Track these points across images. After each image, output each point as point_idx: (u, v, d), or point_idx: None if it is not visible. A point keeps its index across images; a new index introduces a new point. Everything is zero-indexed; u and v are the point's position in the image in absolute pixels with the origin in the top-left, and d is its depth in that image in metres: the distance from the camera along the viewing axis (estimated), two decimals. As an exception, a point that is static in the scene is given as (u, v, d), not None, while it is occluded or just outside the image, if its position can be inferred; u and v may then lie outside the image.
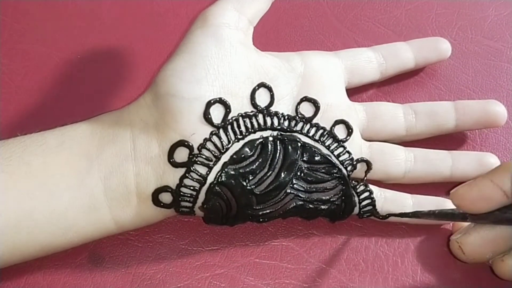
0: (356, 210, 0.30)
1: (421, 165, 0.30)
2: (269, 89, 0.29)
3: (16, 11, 0.37)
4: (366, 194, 0.30)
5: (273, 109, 0.29)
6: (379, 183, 0.31)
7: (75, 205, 0.26)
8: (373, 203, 0.30)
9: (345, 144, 0.30)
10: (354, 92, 0.33)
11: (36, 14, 0.37)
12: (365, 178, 0.30)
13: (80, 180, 0.26)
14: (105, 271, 0.30)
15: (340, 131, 0.30)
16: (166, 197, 0.27)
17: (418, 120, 0.31)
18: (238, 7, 0.29)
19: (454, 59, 0.35)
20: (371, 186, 0.30)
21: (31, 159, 0.26)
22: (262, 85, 0.29)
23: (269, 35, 0.36)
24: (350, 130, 0.30)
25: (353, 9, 0.38)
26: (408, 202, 0.30)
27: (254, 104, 0.28)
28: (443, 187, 0.31)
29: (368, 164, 0.30)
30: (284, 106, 0.29)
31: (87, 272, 0.30)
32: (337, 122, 0.30)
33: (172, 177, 0.27)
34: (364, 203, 0.30)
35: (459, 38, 0.36)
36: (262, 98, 0.29)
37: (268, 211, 0.28)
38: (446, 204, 0.30)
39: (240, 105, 0.28)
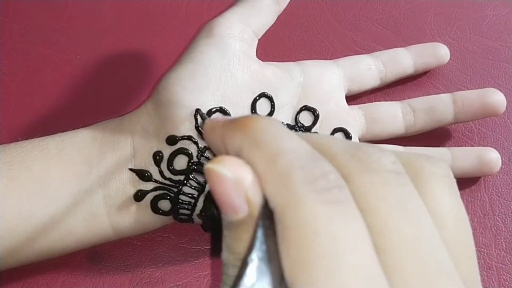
0: None
1: None
2: (270, 99, 0.29)
3: (16, 11, 0.37)
4: None
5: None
6: None
7: (74, 211, 0.26)
8: None
9: None
10: (353, 95, 0.33)
11: (36, 14, 0.37)
12: None
13: (80, 186, 0.26)
14: (104, 269, 0.30)
15: None
16: (164, 205, 0.27)
17: (417, 118, 0.31)
18: (244, 19, 0.29)
19: (452, 59, 0.35)
20: None
21: (32, 164, 0.26)
22: (263, 95, 0.29)
23: (268, 36, 0.36)
24: (349, 138, 0.30)
25: (351, 9, 0.38)
26: None
27: (254, 113, 0.28)
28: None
29: None
30: (284, 115, 0.29)
31: (86, 271, 0.30)
32: (336, 130, 0.30)
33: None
34: None
35: (457, 38, 0.36)
36: (263, 108, 0.29)
37: None
38: None
39: (240, 115, 0.28)
